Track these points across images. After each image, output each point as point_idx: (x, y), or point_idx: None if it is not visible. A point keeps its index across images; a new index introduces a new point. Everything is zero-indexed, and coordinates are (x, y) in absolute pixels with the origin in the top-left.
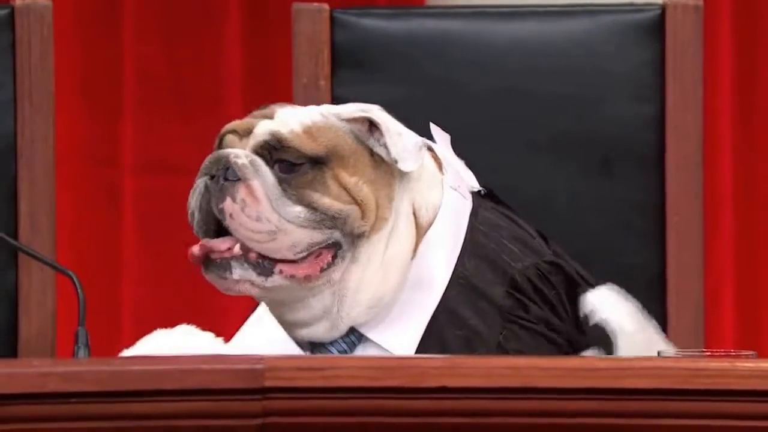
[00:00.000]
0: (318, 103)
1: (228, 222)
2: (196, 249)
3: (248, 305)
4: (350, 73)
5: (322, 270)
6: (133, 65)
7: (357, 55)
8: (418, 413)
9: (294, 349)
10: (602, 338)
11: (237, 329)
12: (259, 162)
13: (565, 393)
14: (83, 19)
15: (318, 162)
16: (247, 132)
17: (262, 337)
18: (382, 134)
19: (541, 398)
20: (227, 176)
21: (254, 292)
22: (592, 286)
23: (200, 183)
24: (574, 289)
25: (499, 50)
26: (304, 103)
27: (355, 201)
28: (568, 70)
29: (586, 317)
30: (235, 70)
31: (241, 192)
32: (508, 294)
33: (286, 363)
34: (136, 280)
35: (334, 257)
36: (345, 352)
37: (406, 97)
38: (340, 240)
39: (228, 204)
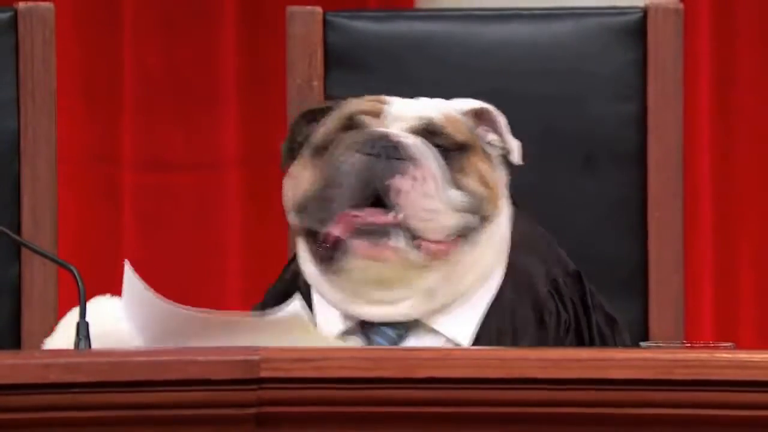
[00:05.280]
0: (311, 103)
1: (394, 198)
2: (344, 225)
3: (245, 301)
4: (343, 73)
5: (454, 250)
6: (132, 66)
7: (349, 57)
8: (410, 403)
9: None
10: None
11: None
12: (427, 144)
13: (550, 383)
14: (84, 21)
15: (462, 149)
16: (376, 114)
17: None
18: (492, 127)
19: (527, 388)
20: (393, 154)
21: (392, 260)
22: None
23: (356, 159)
24: (587, 301)
25: (486, 52)
26: (298, 102)
27: (488, 186)
28: (554, 71)
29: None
30: (231, 71)
31: (414, 170)
32: (550, 294)
33: (281, 354)
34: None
35: (465, 238)
36: (395, 341)
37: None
38: (476, 225)
39: (398, 180)
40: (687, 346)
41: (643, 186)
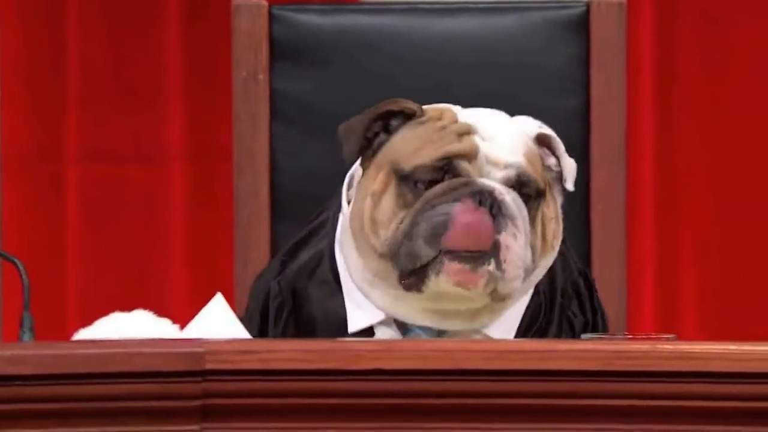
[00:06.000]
0: (257, 96)
1: (502, 253)
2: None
3: (190, 294)
4: (288, 66)
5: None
6: (76, 59)
7: (294, 50)
8: (354, 395)
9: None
10: None
11: (178, 317)
12: (519, 200)
13: (493, 375)
14: (28, 14)
15: (540, 195)
16: (472, 157)
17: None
18: (552, 152)
19: (471, 380)
20: (496, 212)
21: (480, 284)
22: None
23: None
24: (594, 300)
25: (430, 45)
26: (244, 96)
27: (545, 239)
28: (497, 65)
29: None
30: (176, 64)
31: (512, 227)
32: (571, 297)
33: (225, 346)
34: (80, 266)
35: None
36: (436, 336)
37: (341, 90)
38: (532, 272)
39: (504, 236)
40: (629, 338)
41: (586, 179)
